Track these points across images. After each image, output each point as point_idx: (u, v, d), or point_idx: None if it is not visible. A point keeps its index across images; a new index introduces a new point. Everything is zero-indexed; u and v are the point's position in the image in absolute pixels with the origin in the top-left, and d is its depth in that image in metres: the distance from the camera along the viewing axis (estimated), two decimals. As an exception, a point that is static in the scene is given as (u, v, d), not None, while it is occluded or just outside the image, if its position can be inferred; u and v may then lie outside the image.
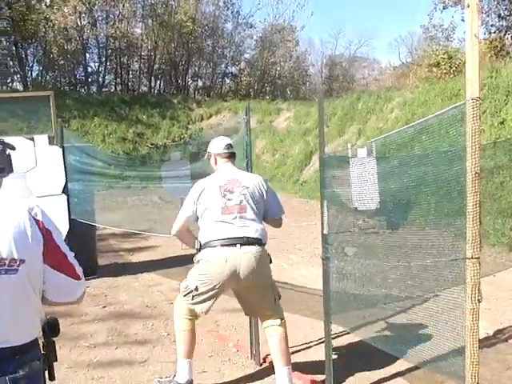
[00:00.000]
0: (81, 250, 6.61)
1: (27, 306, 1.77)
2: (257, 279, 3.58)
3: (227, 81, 35.59)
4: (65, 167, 6.92)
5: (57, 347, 3.82)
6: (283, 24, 35.31)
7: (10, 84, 28.98)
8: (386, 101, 17.93)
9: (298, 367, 3.99)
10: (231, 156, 3.86)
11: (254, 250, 3.51)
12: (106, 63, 31.19)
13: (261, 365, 4.19)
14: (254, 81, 35.16)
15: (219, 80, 34.95)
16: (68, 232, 6.91)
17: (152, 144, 23.62)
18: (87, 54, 31.02)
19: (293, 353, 4.27)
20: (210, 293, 3.56)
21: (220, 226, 3.53)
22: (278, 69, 35.71)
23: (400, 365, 3.91)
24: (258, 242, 3.56)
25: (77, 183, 7.14)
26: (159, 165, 12.25)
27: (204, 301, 3.59)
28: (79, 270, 1.90)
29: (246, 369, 4.16)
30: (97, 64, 31.51)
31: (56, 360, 1.92)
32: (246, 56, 35.54)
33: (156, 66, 32.19)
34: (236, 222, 3.53)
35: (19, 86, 28.24)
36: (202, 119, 26.14)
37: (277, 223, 3.93)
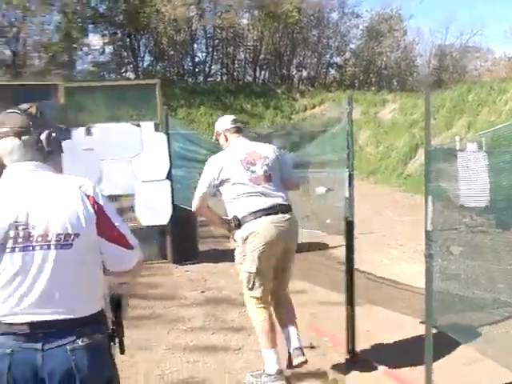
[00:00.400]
0: (182, 236, 6.78)
1: (86, 280, 1.87)
2: (294, 243, 3.82)
3: (332, 71, 35.08)
4: (169, 153, 7.09)
5: (156, 328, 3.91)
6: (390, 13, 34.15)
7: (124, 74, 30.32)
8: (500, 92, 16.80)
9: (394, 367, 3.82)
10: (240, 130, 3.94)
11: (289, 215, 3.66)
12: (212, 53, 31.83)
13: (356, 362, 4.05)
14: (359, 71, 34.40)
15: (323, 70, 34.51)
16: (171, 217, 7.10)
17: (256, 133, 23.80)
18: (195, 45, 31.81)
19: (390, 352, 4.10)
20: (267, 267, 3.62)
21: (253, 198, 3.58)
22: (384, 59, 34.63)
23: (508, 377, 3.62)
24: (289, 208, 3.70)
25: (180, 169, 7.29)
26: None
27: (264, 278, 3.65)
28: (132, 241, 1.95)
29: (341, 365, 4.03)
30: (204, 54, 32.21)
31: (123, 335, 2.01)
32: (352, 46, 34.79)
33: (261, 56, 32.37)
34: (266, 192, 3.60)
35: (131, 76, 29.54)
36: (306, 109, 25.97)
37: (292, 184, 3.96)
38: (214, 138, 4.11)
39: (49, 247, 1.78)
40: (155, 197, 7.07)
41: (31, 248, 1.77)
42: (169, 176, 7.09)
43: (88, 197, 1.86)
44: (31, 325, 1.78)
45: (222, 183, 3.67)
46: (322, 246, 8.10)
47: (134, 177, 7.02)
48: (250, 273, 3.63)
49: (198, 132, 16.04)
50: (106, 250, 1.90)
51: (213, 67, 32.67)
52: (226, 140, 3.90)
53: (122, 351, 2.04)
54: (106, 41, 30.56)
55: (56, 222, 1.78)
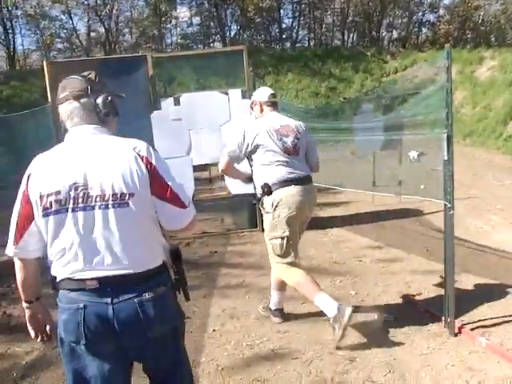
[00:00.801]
0: None
1: (146, 236, 1.98)
2: (312, 212, 4.20)
3: (424, 30, 33.54)
4: (257, 121, 6.99)
5: (246, 297, 3.81)
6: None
7: (211, 44, 30.52)
8: None
9: (498, 341, 3.57)
10: (275, 104, 4.16)
11: (313, 186, 4.02)
12: (299, 18, 31.34)
13: (456, 335, 3.81)
14: (453, 28, 32.54)
15: (415, 30, 33.07)
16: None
17: (344, 98, 23.25)
18: (281, 11, 31.40)
19: (492, 325, 3.85)
20: (295, 232, 3.95)
21: (283, 167, 3.83)
22: (482, 13, 32.52)
23: None
24: (311, 179, 4.02)
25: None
26: (351, 118, 11.89)
27: (294, 243, 4.00)
28: (185, 200, 2.00)
29: (438, 337, 3.80)
30: (290, 20, 31.78)
31: (186, 284, 2.15)
32: (446, 2, 32.98)
33: (349, 18, 31.44)
34: (294, 163, 3.86)
35: (219, 46, 29.66)
36: (397, 71, 24.94)
37: (313, 166, 4.11)
38: (250, 104, 4.33)
39: (106, 207, 1.88)
40: (245, 165, 7.00)
41: (90, 208, 1.88)
42: (257, 144, 7.01)
43: (142, 157, 1.95)
44: (100, 280, 1.90)
45: (255, 149, 3.94)
46: (416, 213, 7.76)
47: (223, 145, 6.98)
48: (283, 238, 3.89)
49: (282, 98, 15.78)
50: (159, 209, 1.98)
51: (300, 33, 32.21)
52: (262, 111, 4.15)
53: (187, 299, 2.17)
54: (193, 12, 30.84)
55: (111, 183, 1.88)
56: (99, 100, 2.03)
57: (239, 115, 6.95)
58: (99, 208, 1.88)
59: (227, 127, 6.96)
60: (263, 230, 7.17)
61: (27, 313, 2.13)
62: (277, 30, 31.66)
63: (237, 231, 7.35)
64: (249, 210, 7.51)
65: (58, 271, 1.96)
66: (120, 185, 1.89)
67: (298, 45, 30.78)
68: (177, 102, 6.99)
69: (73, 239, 1.89)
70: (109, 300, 1.90)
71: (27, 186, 1.94)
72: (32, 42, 31.27)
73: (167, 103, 6.94)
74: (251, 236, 7.07)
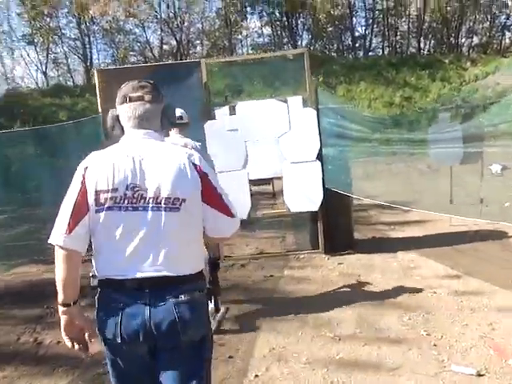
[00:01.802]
0: (335, 223, 6.06)
1: (190, 242, 2.01)
2: None
3: (508, 34, 31.59)
4: (319, 131, 6.36)
5: (298, 333, 3.84)
6: None
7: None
8: None
9: None
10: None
11: None
12: (372, 26, 30.37)
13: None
14: (543, 30, 30.53)
15: (498, 34, 31.21)
16: (322, 202, 6.40)
17: (420, 108, 22.12)
18: (354, 19, 30.59)
19: None
20: None
21: None
22: None
23: None
24: None
25: (332, 149, 6.53)
26: (427, 129, 11.00)
27: None
28: (233, 210, 2.06)
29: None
30: (363, 28, 30.88)
31: (219, 294, 2.30)
32: (533, 4, 30.95)
33: (426, 24, 30.14)
34: None
35: (290, 56, 29.22)
36: (477, 79, 23.52)
37: None
38: None
39: (159, 209, 1.93)
40: (305, 180, 6.40)
41: (142, 208, 1.93)
42: (319, 156, 6.37)
43: (196, 166, 1.98)
44: (139, 281, 1.93)
45: None
46: (501, 235, 6.85)
47: (282, 158, 6.42)
48: None
49: (350, 105, 15.01)
50: (209, 216, 2.02)
51: (373, 41, 31.23)
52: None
53: (217, 309, 2.38)
54: (264, 22, 30.59)
55: (166, 187, 1.93)
56: (167, 107, 2.14)
57: (299, 125, 6.35)
58: (151, 210, 1.93)
59: (286, 138, 6.37)
60: (325, 251, 6.60)
61: (63, 320, 2.01)
62: (349, 39, 30.87)
63: (296, 252, 6.72)
64: (309, 230, 6.88)
65: (100, 269, 2.00)
66: (174, 190, 1.93)
67: (371, 53, 29.86)
68: (232, 111, 6.48)
69: (119, 237, 1.93)
70: (147, 301, 1.93)
71: (84, 178, 1.96)
72: (107, 55, 32.04)
73: (222, 112, 6.44)
74: (311, 259, 6.43)
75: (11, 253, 7.41)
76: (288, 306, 4.84)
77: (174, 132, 4.58)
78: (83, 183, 1.95)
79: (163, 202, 1.93)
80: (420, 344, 3.83)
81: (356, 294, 5.04)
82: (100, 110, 6.49)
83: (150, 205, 1.93)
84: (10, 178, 10.63)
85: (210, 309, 2.26)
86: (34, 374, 3.83)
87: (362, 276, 5.57)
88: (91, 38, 30.33)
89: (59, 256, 1.95)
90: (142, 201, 1.93)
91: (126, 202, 1.93)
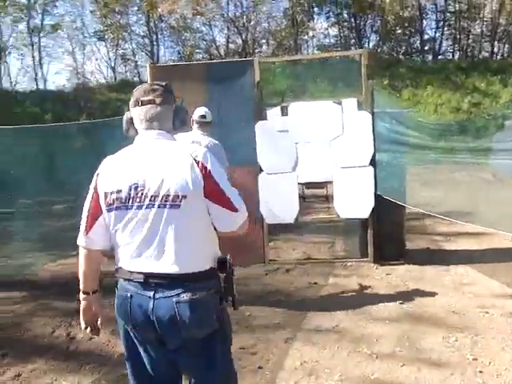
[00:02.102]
0: (386, 231, 5.80)
1: (195, 239, 2.05)
2: None
3: None
4: (373, 135, 6.12)
5: (335, 347, 3.82)
6: None
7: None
8: None
9: None
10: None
11: None
12: (443, 29, 29.40)
13: None
14: None
15: None
16: (373, 209, 6.16)
17: (489, 115, 21.19)
18: (424, 21, 29.71)
19: None
20: None
21: None
22: None
23: None
24: None
25: (385, 154, 6.26)
26: (491, 137, 10.43)
27: None
28: (237, 204, 2.08)
29: None
30: (433, 30, 29.95)
31: (232, 295, 2.16)
32: None
33: (501, 28, 28.89)
34: None
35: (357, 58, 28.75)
36: (556, 86, 22.37)
37: None
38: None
39: (159, 206, 2.00)
40: (356, 186, 6.17)
41: (145, 207, 2.02)
42: (372, 162, 6.13)
43: (198, 162, 2.03)
44: (145, 275, 2.03)
45: None
46: None
47: (333, 162, 6.21)
48: None
49: (414, 110, 14.47)
50: (212, 212, 2.07)
51: (443, 44, 30.22)
52: None
53: (235, 308, 2.20)
54: (331, 23, 30.24)
55: (166, 185, 2.00)
56: (178, 108, 2.23)
57: (353, 129, 6.13)
58: (153, 207, 2.01)
59: (339, 142, 6.16)
60: (374, 260, 6.34)
61: (82, 304, 2.25)
62: (418, 41, 30.00)
63: (344, 260, 6.49)
64: (359, 237, 6.64)
65: (118, 260, 2.14)
66: (174, 187, 1.99)
67: (440, 57, 28.90)
68: (284, 112, 6.33)
69: (128, 234, 2.06)
70: (151, 294, 2.02)
71: (96, 184, 2.12)
72: (174, 52, 32.48)
73: (273, 113, 6.30)
74: (359, 267, 6.19)
75: (61, 243, 7.55)
76: (328, 316, 4.66)
77: (195, 128, 4.99)
78: (95, 189, 2.13)
79: (164, 199, 2.00)
80: (464, 369, 3.55)
81: (401, 308, 4.78)
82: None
83: (153, 203, 2.01)
84: (71, 169, 10.85)
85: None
86: (61, 370, 3.83)
87: (409, 289, 5.30)
88: (159, 36, 30.89)
89: (81, 253, 2.20)
90: (146, 199, 2.02)
91: (130, 201, 2.04)
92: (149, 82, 6.50)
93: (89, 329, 2.28)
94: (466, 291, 5.20)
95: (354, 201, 6.20)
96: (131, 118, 2.21)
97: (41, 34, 28.94)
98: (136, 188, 2.03)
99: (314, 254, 6.96)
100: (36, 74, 28.57)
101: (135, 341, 2.15)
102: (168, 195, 2.00)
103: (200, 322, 2.05)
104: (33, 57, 28.37)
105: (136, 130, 2.21)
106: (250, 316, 4.77)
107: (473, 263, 6.13)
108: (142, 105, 2.16)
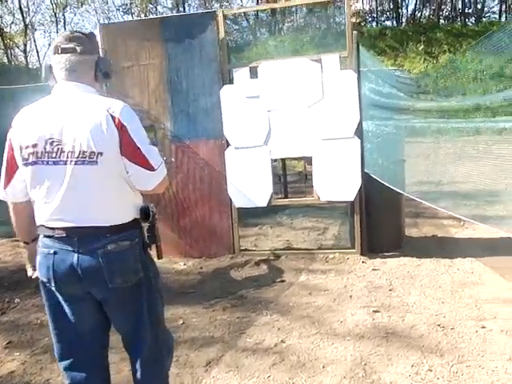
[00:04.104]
0: (377, 216, 4.68)
1: (114, 194, 2.04)
2: None
3: None
4: (359, 100, 5.00)
5: (266, 375, 2.99)
6: None
7: (384, 22, 28.03)
8: None
9: None
10: None
11: None
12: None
13: None
14: None
15: None
16: (360, 190, 5.09)
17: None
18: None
19: None
20: None
21: None
22: None
23: None
24: None
25: (371, 123, 5.13)
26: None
27: None
28: (154, 162, 2.04)
29: None
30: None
31: (156, 242, 2.18)
32: None
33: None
34: None
35: (388, 23, 27.10)
36: None
37: None
38: None
39: (76, 163, 1.95)
40: (340, 162, 5.09)
41: (63, 163, 1.96)
42: (358, 132, 5.03)
43: (114, 118, 1.96)
44: (67, 230, 2.01)
45: None
46: None
47: (312, 133, 5.14)
48: None
49: (399, 69, 12.98)
50: (129, 170, 2.02)
51: (488, 4, 28.03)
52: None
53: (159, 257, 2.25)
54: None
55: (83, 141, 1.93)
56: (101, 59, 2.13)
57: (335, 92, 5.03)
58: (70, 163, 1.95)
59: (318, 108, 5.08)
60: (362, 252, 5.28)
61: (26, 254, 2.27)
62: (459, 4, 27.88)
63: (327, 251, 5.44)
64: (343, 224, 5.58)
65: (37, 217, 2.08)
66: (90, 143, 1.93)
67: (484, 19, 26.78)
68: (254, 74, 5.28)
69: (46, 190, 1.99)
70: (75, 248, 2.00)
71: (10, 137, 2.06)
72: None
73: (241, 75, 5.25)
74: (343, 261, 5.13)
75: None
76: (276, 328, 3.67)
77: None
78: (10, 142, 2.05)
79: (81, 155, 1.94)
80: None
81: (372, 318, 3.72)
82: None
83: (69, 159, 1.95)
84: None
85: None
86: None
87: (393, 291, 4.23)
88: (186, 7, 29.83)
89: (9, 207, 2.19)
90: (63, 155, 1.95)
91: (46, 156, 1.97)
92: (100, 44, 5.59)
93: (35, 274, 2.21)
94: (465, 295, 4.09)
95: (337, 180, 5.13)
96: (50, 66, 2.09)
97: (66, 10, 28.38)
98: (52, 143, 1.96)
99: (298, 242, 5.93)
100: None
101: (60, 298, 2.10)
102: (84, 151, 1.93)
103: (125, 271, 2.05)
104: (57, 33, 27.82)
105: (55, 78, 2.09)
106: (183, 325, 3.83)
107: (485, 256, 4.98)
108: (61, 52, 2.05)
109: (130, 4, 28.97)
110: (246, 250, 5.62)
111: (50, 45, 27.25)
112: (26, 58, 27.12)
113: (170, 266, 5.32)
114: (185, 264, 5.40)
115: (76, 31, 2.13)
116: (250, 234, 6.36)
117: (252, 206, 5.41)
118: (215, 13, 5.27)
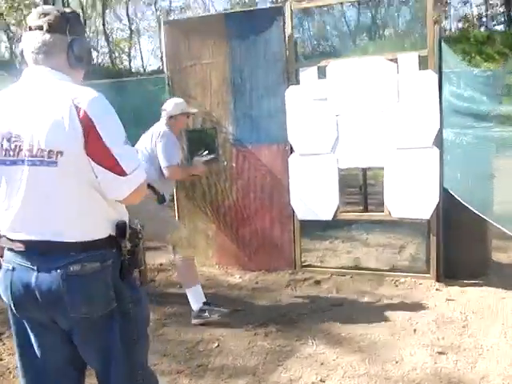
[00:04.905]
0: (457, 237, 4.09)
1: (80, 203, 1.70)
2: None
3: None
4: (440, 105, 4.38)
5: None
6: None
7: (494, 25, 26.33)
8: None
9: None
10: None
11: None
12: None
13: None
14: None
15: None
16: (438, 205, 4.47)
17: None
18: None
19: None
20: None
21: None
22: None
23: None
24: None
25: (451, 131, 4.48)
26: None
27: None
28: (126, 166, 1.67)
29: None
30: None
31: (137, 266, 1.83)
32: None
33: None
34: None
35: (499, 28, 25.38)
36: None
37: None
38: None
39: (34, 163, 1.65)
40: (416, 174, 4.50)
41: (21, 162, 1.67)
42: (437, 141, 4.40)
43: (79, 110, 1.62)
44: (26, 243, 1.71)
45: None
46: None
47: (385, 141, 4.59)
48: None
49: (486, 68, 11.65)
50: (97, 174, 1.68)
51: None
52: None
53: (142, 283, 1.90)
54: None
55: (41, 137, 1.63)
56: (76, 41, 1.77)
57: (413, 95, 4.44)
58: (27, 164, 1.65)
59: (393, 113, 4.52)
60: (438, 277, 4.63)
61: None
62: None
63: (399, 274, 4.83)
64: (418, 245, 4.95)
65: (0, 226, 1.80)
66: (48, 140, 1.62)
67: None
68: (322, 74, 4.80)
69: (5, 194, 1.71)
70: (34, 266, 1.70)
71: None
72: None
73: (308, 75, 4.80)
74: (414, 286, 4.52)
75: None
76: (317, 363, 3.19)
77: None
78: None
79: (38, 154, 1.63)
80: None
81: (432, 363, 3.13)
82: (167, 72, 5.33)
83: (27, 158, 1.64)
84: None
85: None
86: None
87: (467, 329, 3.59)
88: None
89: None
90: (21, 153, 1.66)
91: (4, 154, 1.68)
92: (163, 41, 5.38)
93: None
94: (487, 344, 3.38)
95: (412, 195, 4.53)
96: (22, 49, 1.80)
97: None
98: (9, 139, 1.68)
99: (368, 260, 5.36)
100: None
101: (26, 324, 1.80)
102: (42, 149, 1.63)
103: (91, 298, 1.72)
104: (160, 38, 28.61)
105: (26, 62, 1.80)
106: (217, 349, 3.46)
107: None
108: (29, 30, 1.77)
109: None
110: (309, 265, 5.15)
111: (153, 50, 28.08)
112: (129, 62, 28.16)
113: (225, 279, 4.96)
114: (241, 277, 5.02)
115: (50, 7, 1.84)
116: (317, 249, 5.86)
117: (316, 218, 4.93)
118: (282, 7, 4.85)
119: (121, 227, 1.78)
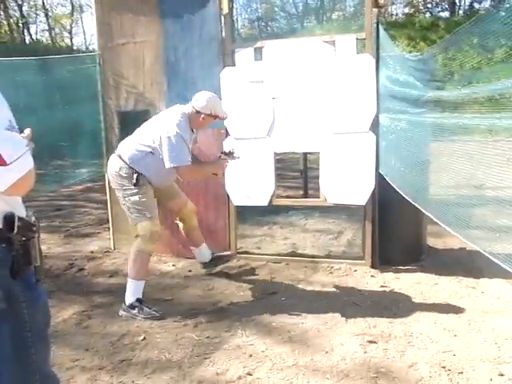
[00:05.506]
0: (391, 223, 3.82)
1: None
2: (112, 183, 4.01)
3: None
4: (377, 89, 4.32)
5: None
6: None
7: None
8: None
9: None
10: None
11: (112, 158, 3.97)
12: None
13: None
14: None
15: None
16: (374, 191, 4.42)
17: None
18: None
19: None
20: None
21: None
22: None
23: None
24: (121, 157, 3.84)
25: (387, 116, 4.43)
26: None
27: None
28: (7, 154, 1.46)
29: None
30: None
31: (31, 263, 1.63)
32: None
33: None
34: None
35: (443, 15, 25.79)
36: None
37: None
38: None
39: None
40: (351, 160, 4.43)
41: None
42: (374, 126, 4.34)
43: None
44: None
45: None
46: None
47: (322, 126, 4.49)
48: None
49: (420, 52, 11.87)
50: None
51: None
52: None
53: (38, 280, 1.68)
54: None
55: None
56: None
57: (349, 78, 4.35)
58: None
59: (329, 97, 4.42)
60: (373, 264, 4.60)
61: None
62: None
63: (335, 260, 4.78)
64: (352, 231, 4.91)
65: None
66: None
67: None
68: (258, 55, 4.65)
69: None
70: None
71: None
72: None
73: (244, 56, 4.64)
74: (350, 272, 4.47)
75: None
76: (245, 355, 3.07)
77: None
78: None
79: None
80: None
81: (362, 352, 3.07)
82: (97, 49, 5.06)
83: None
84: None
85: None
86: None
87: (398, 316, 3.56)
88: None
89: None
90: None
91: None
92: (95, 17, 5.10)
93: None
94: (484, 327, 3.38)
95: (348, 180, 4.47)
96: None
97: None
98: None
99: (305, 247, 5.29)
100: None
101: None
102: None
103: None
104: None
105: None
106: (142, 342, 3.28)
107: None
108: None
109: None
110: (245, 252, 5.03)
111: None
112: (71, 39, 27.18)
113: (157, 267, 4.78)
114: (174, 265, 4.85)
115: None
116: (255, 235, 5.75)
117: (251, 204, 4.81)
118: (219, -16, 4.66)
119: (8, 219, 1.58)
